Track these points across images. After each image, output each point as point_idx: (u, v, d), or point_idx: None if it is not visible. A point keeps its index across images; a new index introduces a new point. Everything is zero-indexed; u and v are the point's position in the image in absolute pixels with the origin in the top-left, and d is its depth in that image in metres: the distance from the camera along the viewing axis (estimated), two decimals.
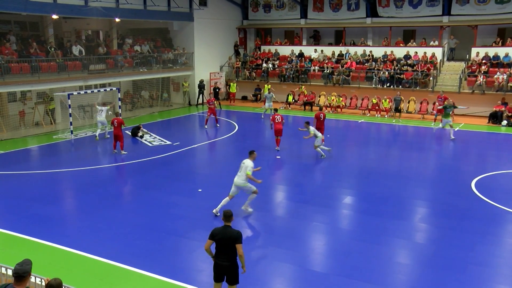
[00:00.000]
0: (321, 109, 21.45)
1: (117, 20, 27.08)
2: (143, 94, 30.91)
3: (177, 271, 9.42)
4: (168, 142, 20.89)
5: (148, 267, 9.53)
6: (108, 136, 21.82)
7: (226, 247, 7.52)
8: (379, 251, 10.29)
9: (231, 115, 28.15)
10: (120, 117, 19.24)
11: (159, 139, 21.56)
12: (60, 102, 24.34)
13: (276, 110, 21.60)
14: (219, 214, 12.16)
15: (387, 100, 27.71)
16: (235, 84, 32.77)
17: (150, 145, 20.65)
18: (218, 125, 24.53)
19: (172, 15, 30.51)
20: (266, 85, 30.91)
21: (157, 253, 10.21)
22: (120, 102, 25.17)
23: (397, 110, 26.68)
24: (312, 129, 17.80)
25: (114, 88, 25.54)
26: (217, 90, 31.63)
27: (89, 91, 24.43)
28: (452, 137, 21.27)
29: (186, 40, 32.13)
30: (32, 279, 6.70)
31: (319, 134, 17.98)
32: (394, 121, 26.19)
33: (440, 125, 22.39)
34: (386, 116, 27.47)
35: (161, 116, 25.51)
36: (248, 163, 11.93)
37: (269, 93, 27.73)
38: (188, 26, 31.82)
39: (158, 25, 32.08)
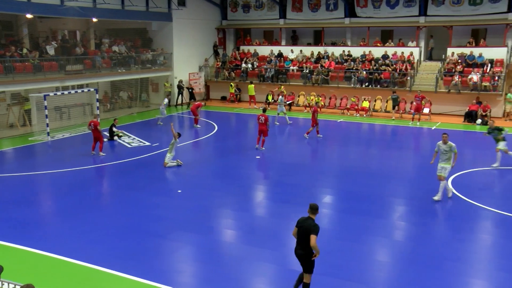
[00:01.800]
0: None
1: (95, 20, 26.77)
2: (122, 94, 30.63)
3: (158, 273, 9.39)
4: (147, 143, 20.76)
5: (129, 269, 9.48)
6: (161, 123, 24.28)
7: (303, 236, 7.95)
8: (359, 250, 10.44)
9: (210, 115, 28.07)
10: (97, 119, 18.99)
11: (138, 140, 21.41)
12: (36, 103, 23.96)
13: (264, 110, 21.67)
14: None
15: (367, 100, 28.06)
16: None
17: (129, 146, 20.49)
18: (198, 126, 24.50)
19: (150, 15, 30.32)
20: (249, 85, 30.95)
21: (138, 255, 10.17)
22: (98, 103, 24.89)
23: (394, 107, 26.94)
24: None
25: (92, 89, 25.25)
26: (190, 90, 31.40)
27: (66, 92, 24.11)
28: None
29: (165, 40, 31.96)
30: (5, 286, 6.62)
31: None
32: (410, 123, 25.46)
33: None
34: (364, 115, 27.79)
35: (140, 117, 25.36)
36: None
37: (280, 95, 26.75)
38: (167, 26, 31.66)
39: (137, 25, 31.83)
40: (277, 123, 25.16)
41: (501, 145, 16.68)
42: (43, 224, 12.04)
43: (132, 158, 18.46)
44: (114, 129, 21.78)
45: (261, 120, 19.19)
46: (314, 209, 8.19)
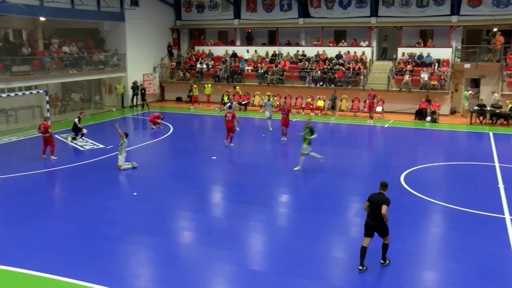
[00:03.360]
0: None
1: (42, 19, 25.81)
2: (74, 96, 29.71)
3: (114, 278, 9.13)
4: (101, 146, 20.23)
5: (84, 276, 9.16)
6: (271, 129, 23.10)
7: (376, 209, 9.23)
8: (318, 247, 10.52)
9: (165, 116, 27.63)
10: (48, 122, 18.30)
11: (92, 143, 20.82)
12: None
13: (230, 107, 21.69)
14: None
15: (322, 99, 28.44)
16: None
17: (82, 149, 19.89)
18: (154, 127, 24.10)
19: (102, 15, 29.56)
20: (205, 85, 30.73)
21: (93, 260, 9.84)
22: (48, 105, 24.02)
23: (333, 108, 27.34)
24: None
25: (41, 91, 24.34)
26: (143, 91, 30.98)
27: (12, 94, 23.14)
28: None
29: (118, 40, 31.25)
30: None
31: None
32: (332, 119, 26.72)
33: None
34: (319, 114, 28.14)
35: (93, 119, 24.64)
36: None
37: (268, 100, 24.86)
38: (119, 26, 30.96)
39: (88, 25, 30.95)
40: (271, 129, 23.27)
41: (305, 147, 16.23)
42: None
43: (85, 161, 17.91)
44: (78, 124, 21.27)
45: (228, 117, 19.68)
46: (384, 185, 9.58)
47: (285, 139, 21.10)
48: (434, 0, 29.24)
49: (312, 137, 16.25)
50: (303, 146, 16.36)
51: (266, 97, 27.21)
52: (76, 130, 21.41)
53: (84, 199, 13.63)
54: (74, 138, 21.32)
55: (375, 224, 9.32)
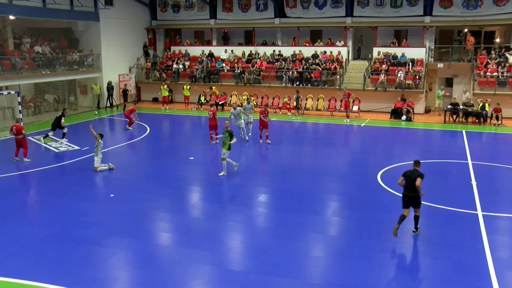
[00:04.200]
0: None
1: (12, 17, 25.22)
2: (47, 97, 29.16)
3: (91, 281, 9.01)
4: (77, 147, 19.92)
5: (60, 280, 9.01)
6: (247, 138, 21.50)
7: (411, 183, 10.69)
8: (296, 246, 10.58)
9: (142, 117, 27.39)
10: (20, 124, 17.90)
11: (66, 144, 20.49)
12: None
13: (211, 105, 21.58)
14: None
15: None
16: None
17: (57, 150, 19.56)
18: (130, 128, 23.87)
19: (75, 15, 29.09)
20: (185, 86, 30.53)
21: (68, 264, 9.69)
22: (20, 106, 23.53)
23: (297, 107, 27.51)
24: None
25: (12, 92, 23.82)
26: (127, 92, 30.84)
27: None
28: None
29: (93, 40, 30.79)
30: None
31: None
32: (293, 118, 27.01)
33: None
34: (297, 114, 28.28)
35: (68, 120, 24.20)
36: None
37: (248, 103, 22.97)
38: (94, 26, 30.52)
39: (61, 24, 30.40)
40: (244, 137, 21.36)
41: (224, 152, 15.64)
42: None
43: (60, 163, 17.63)
44: (62, 120, 21.00)
45: (209, 115, 20.34)
46: (417, 162, 11.08)
47: (269, 141, 20.54)
48: (408, 0, 29.74)
49: (231, 142, 15.68)
50: (222, 151, 15.77)
51: (244, 98, 27.00)
52: (57, 127, 20.97)
53: (59, 202, 13.40)
54: (46, 136, 20.91)
55: (412, 195, 10.71)
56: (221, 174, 15.88)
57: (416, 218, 11.10)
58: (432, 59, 29.27)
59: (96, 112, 28.78)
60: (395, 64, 29.00)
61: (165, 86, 30.51)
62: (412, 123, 25.78)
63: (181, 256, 10.18)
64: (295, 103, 27.64)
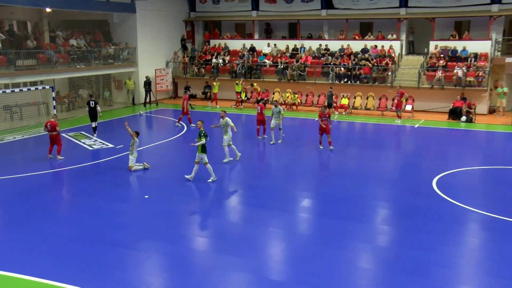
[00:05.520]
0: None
1: (48, 10, 26.15)
2: (81, 92, 30.07)
3: (122, 286, 9.18)
4: (110, 145, 20.42)
5: (90, 284, 9.23)
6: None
7: None
8: (340, 256, 10.43)
9: (177, 114, 27.76)
10: (54, 119, 18.49)
11: (100, 142, 21.03)
12: None
13: (259, 101, 21.83)
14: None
15: (346, 97, 28.27)
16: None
17: (90, 148, 20.11)
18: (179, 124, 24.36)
19: (111, 6, 29.84)
20: (215, 83, 30.66)
21: (98, 267, 9.91)
22: (54, 102, 24.35)
23: (330, 106, 26.56)
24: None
25: (47, 87, 24.68)
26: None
27: (17, 90, 23.49)
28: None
29: (128, 33, 31.54)
30: None
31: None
32: (397, 121, 25.73)
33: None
34: (344, 113, 27.98)
35: (103, 117, 24.85)
36: None
37: (276, 106, 20.74)
38: (130, 18, 31.25)
39: (96, 16, 31.32)
40: (279, 141, 20.88)
41: (199, 155, 15.42)
42: None
43: (93, 161, 18.12)
44: (98, 108, 21.93)
45: (258, 110, 21.15)
46: None
47: (332, 147, 19.47)
48: None
49: (200, 143, 15.24)
50: (197, 154, 15.48)
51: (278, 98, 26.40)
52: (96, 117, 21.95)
53: (92, 201, 13.75)
54: (95, 128, 22.07)
55: None
56: (187, 177, 15.57)
57: None
58: (499, 53, 28.19)
59: (142, 113, 28.62)
60: (455, 59, 28.18)
61: (218, 82, 30.53)
62: (473, 125, 24.99)
63: (217, 262, 10.22)
64: (326, 101, 27.04)
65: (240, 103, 30.28)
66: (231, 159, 17.73)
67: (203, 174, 15.79)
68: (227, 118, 17.57)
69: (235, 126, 18.02)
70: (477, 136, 23.30)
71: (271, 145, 20.26)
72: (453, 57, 28.36)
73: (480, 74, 26.97)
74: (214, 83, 30.46)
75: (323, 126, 19.20)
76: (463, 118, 25.63)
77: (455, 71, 27.15)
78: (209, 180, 15.49)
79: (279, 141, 20.72)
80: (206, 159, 15.46)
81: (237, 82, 30.30)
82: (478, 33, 29.16)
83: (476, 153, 19.99)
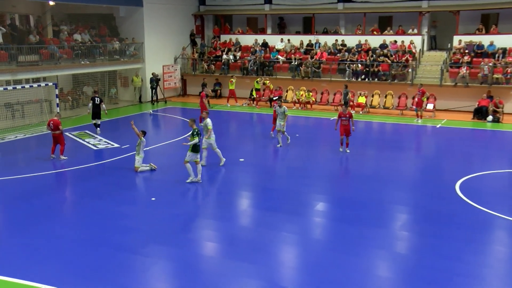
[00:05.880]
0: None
1: (51, 3, 26.35)
2: (86, 90, 30.30)
3: None
4: (116, 145, 20.55)
5: None
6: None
7: None
8: (357, 263, 10.40)
9: (187, 113, 27.89)
10: (57, 118, 18.63)
11: (105, 142, 21.18)
12: None
13: (272, 99, 21.85)
14: None
15: (364, 95, 28.16)
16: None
17: (95, 148, 20.26)
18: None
19: None
20: (233, 79, 30.48)
21: (103, 272, 9.98)
22: (58, 99, 24.56)
23: (346, 104, 26.34)
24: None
25: (50, 83, 24.90)
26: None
27: (18, 87, 23.72)
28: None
29: (135, 28, 31.71)
30: None
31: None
32: (417, 121, 25.54)
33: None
34: (361, 112, 27.89)
35: (108, 115, 25.17)
36: None
37: (280, 106, 20.11)
38: (136, 12, 31.41)
39: (101, 10, 31.52)
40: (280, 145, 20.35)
41: (190, 154, 15.28)
42: None
43: (98, 162, 18.24)
44: (103, 105, 22.24)
45: (274, 107, 20.74)
46: None
47: (348, 151, 19.27)
48: None
49: (193, 142, 15.13)
50: (187, 154, 15.37)
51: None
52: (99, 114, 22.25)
53: (95, 204, 13.85)
54: (98, 126, 22.33)
55: None
56: (187, 181, 15.51)
57: None
58: None
59: (151, 113, 28.64)
60: (481, 55, 27.94)
61: (236, 79, 30.48)
62: (501, 125, 24.76)
63: (227, 268, 10.24)
64: (342, 99, 26.91)
65: (256, 103, 30.23)
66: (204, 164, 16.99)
67: (213, 177, 15.84)
68: (208, 119, 17.07)
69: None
70: (504, 137, 23.08)
71: (280, 147, 20.07)
72: (479, 52, 28.13)
73: (508, 70, 26.68)
74: (233, 80, 30.30)
75: (346, 125, 18.83)
76: (490, 117, 25.41)
77: (481, 66, 26.88)
78: (187, 181, 15.50)
79: (288, 142, 20.27)
80: (192, 159, 15.34)
81: (258, 80, 30.33)
82: (508, 27, 28.81)
83: (503, 155, 19.80)
